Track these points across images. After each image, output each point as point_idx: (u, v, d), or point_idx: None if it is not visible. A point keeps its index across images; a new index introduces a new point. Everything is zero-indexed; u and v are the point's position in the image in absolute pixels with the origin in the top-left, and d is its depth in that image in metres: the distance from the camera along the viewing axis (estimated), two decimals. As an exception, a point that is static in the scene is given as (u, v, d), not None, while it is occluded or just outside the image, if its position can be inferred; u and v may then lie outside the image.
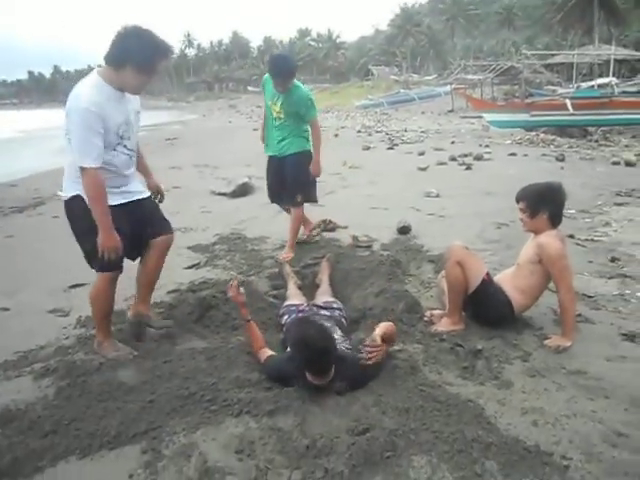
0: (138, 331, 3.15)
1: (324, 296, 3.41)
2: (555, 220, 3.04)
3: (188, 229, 5.75)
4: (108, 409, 2.37)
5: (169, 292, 3.78)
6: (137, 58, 2.58)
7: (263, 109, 4.71)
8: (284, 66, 4.20)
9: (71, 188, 2.72)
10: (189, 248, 4.99)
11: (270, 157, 4.75)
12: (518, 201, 3.12)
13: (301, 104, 4.34)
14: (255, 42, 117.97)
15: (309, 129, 4.54)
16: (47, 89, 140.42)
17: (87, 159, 2.52)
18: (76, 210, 2.72)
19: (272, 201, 5.03)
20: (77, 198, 2.69)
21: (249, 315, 2.85)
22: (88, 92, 2.55)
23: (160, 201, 3.32)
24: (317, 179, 4.74)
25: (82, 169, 2.53)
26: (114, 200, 2.73)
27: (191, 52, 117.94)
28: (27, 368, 2.83)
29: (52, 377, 2.70)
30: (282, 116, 4.42)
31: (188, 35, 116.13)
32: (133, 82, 2.65)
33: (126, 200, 2.86)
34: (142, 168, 3.19)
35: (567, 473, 1.93)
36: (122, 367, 2.75)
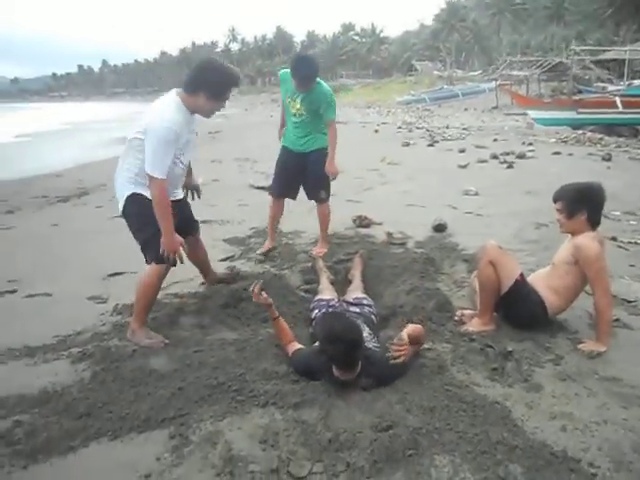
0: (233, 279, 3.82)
1: (355, 292, 3.42)
2: (594, 221, 2.96)
3: (225, 222, 5.85)
4: (139, 394, 2.45)
5: (202, 283, 3.86)
6: (210, 86, 2.89)
7: (281, 104, 4.61)
8: (308, 70, 4.09)
9: (125, 188, 2.99)
10: (225, 240, 5.07)
11: (287, 150, 4.58)
12: (555, 201, 3.04)
13: (322, 101, 4.23)
14: (299, 37, 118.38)
15: None
16: (95, 82, 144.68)
17: (158, 170, 2.79)
18: (133, 207, 3.00)
19: (278, 193, 4.69)
20: (133, 196, 2.97)
21: (277, 313, 2.87)
22: (170, 112, 2.83)
23: (198, 197, 3.59)
24: (335, 177, 4.56)
25: (151, 177, 2.80)
26: None
27: (235, 47, 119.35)
28: (65, 352, 2.93)
29: (88, 362, 2.80)
30: (303, 112, 4.32)
31: (232, 30, 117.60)
32: (206, 107, 2.96)
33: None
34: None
35: (594, 481, 1.89)
36: (154, 354, 2.84)
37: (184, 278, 3.97)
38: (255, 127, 21.07)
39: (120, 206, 3.07)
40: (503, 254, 3.05)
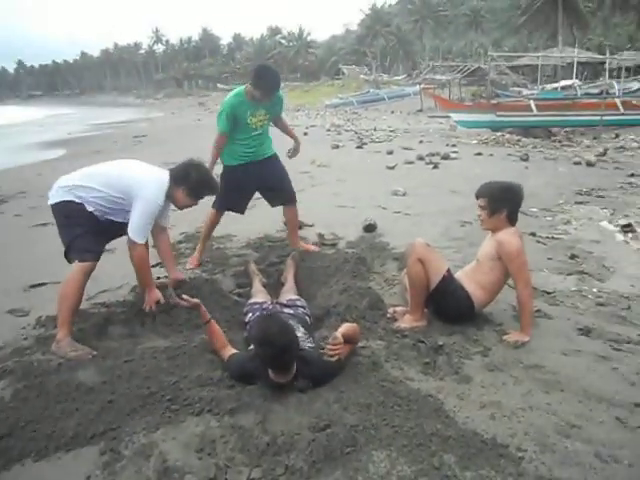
0: None
1: (288, 294, 3.41)
2: (513, 218, 3.11)
3: (153, 227, 5.67)
4: (66, 410, 2.33)
5: (131, 291, 3.73)
6: (191, 186, 3.22)
7: (218, 137, 4.34)
8: (277, 79, 4.17)
9: (66, 195, 3.08)
10: (154, 246, 4.91)
11: (241, 166, 4.38)
12: (478, 197, 3.17)
13: (280, 102, 4.39)
14: (225, 39, 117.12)
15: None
16: (10, 84, 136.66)
17: (141, 238, 3.10)
18: (66, 209, 3.08)
19: (225, 208, 4.58)
20: (71, 203, 3.06)
21: (208, 316, 2.82)
22: (159, 191, 3.12)
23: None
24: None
25: (134, 243, 3.08)
26: None
27: (159, 48, 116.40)
28: (-17, 370, 2.75)
29: (9, 379, 2.63)
30: (265, 122, 4.35)
31: (157, 31, 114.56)
32: (181, 200, 3.28)
33: None
34: (167, 255, 3.65)
35: (521, 464, 1.98)
36: (81, 367, 2.70)
37: (111, 287, 3.83)
38: (182, 131, 20.63)
39: (53, 200, 3.11)
40: (430, 251, 3.15)
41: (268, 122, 4.42)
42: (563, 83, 24.65)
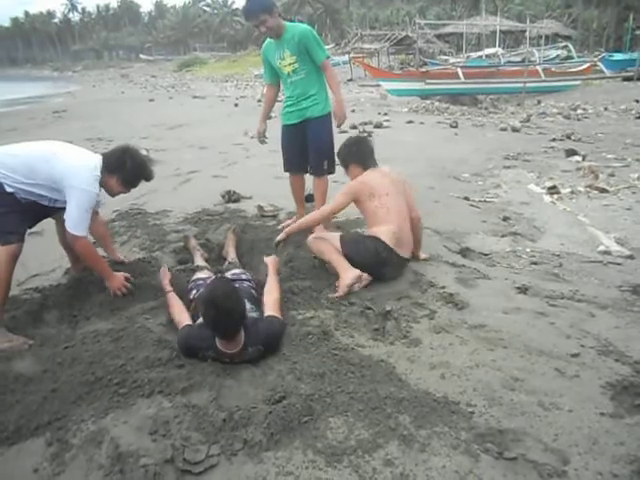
0: None
1: (232, 268, 3.35)
2: (364, 166, 3.52)
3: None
4: (5, 403, 2.19)
5: (65, 274, 3.54)
6: (125, 175, 3.07)
7: (264, 90, 4.30)
8: (252, 2, 3.80)
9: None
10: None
11: (288, 128, 4.26)
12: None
13: (306, 37, 3.88)
14: (145, 7, 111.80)
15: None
16: None
17: (82, 231, 2.92)
18: None
19: (296, 170, 4.44)
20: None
21: (169, 287, 2.90)
22: (94, 179, 2.93)
23: None
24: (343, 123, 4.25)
25: (77, 237, 2.91)
26: None
27: (75, 17, 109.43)
28: None
29: None
30: (296, 65, 3.96)
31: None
32: (115, 189, 3.13)
33: None
34: (103, 236, 3.57)
35: (472, 419, 2.06)
36: (18, 357, 2.54)
37: (43, 271, 3.63)
38: (106, 104, 19.64)
39: None
40: (322, 232, 3.64)
41: (303, 67, 3.98)
42: (487, 51, 25.29)
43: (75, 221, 2.87)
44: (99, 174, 2.97)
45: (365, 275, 3.18)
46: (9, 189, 2.80)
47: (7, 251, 2.77)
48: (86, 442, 1.98)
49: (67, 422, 2.08)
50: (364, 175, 3.48)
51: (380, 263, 3.21)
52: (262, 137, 4.49)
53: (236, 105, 17.05)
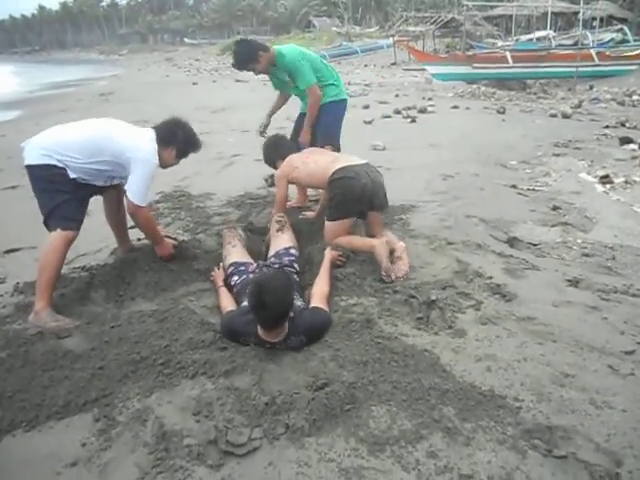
0: None
1: (283, 242, 3.30)
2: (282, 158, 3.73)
3: (129, 188, 5.49)
4: (54, 378, 2.26)
5: (111, 254, 3.61)
6: (179, 145, 3.19)
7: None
8: (238, 57, 4.15)
9: (46, 158, 2.86)
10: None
11: (302, 115, 4.53)
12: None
13: (290, 70, 4.19)
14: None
15: (331, 76, 4.43)
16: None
17: (144, 201, 3.03)
18: (46, 175, 2.89)
19: None
20: (53, 167, 2.87)
21: (221, 282, 2.98)
22: (154, 150, 3.04)
23: None
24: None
25: (138, 207, 3.00)
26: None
27: (122, 1, 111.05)
28: (-38, 340, 2.64)
29: (-10, 348, 2.54)
30: (296, 82, 4.26)
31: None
32: (169, 160, 3.21)
33: None
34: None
35: (520, 414, 2.00)
36: (67, 334, 2.62)
37: (90, 250, 3.71)
38: (150, 87, 19.91)
39: (32, 162, 2.90)
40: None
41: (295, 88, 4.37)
42: (538, 34, 24.39)
43: (137, 192, 2.97)
44: (156, 145, 3.06)
45: (390, 237, 3.34)
46: (72, 174, 2.89)
47: (65, 236, 2.86)
48: (132, 419, 2.02)
49: (113, 399, 2.13)
50: (287, 158, 3.71)
51: (366, 182, 3.29)
52: (263, 131, 4.70)
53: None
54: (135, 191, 2.97)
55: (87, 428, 1.99)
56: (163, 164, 3.18)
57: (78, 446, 1.91)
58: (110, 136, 2.97)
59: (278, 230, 3.43)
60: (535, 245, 3.71)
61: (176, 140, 3.17)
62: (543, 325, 2.60)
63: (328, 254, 3.16)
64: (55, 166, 2.86)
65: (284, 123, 9.33)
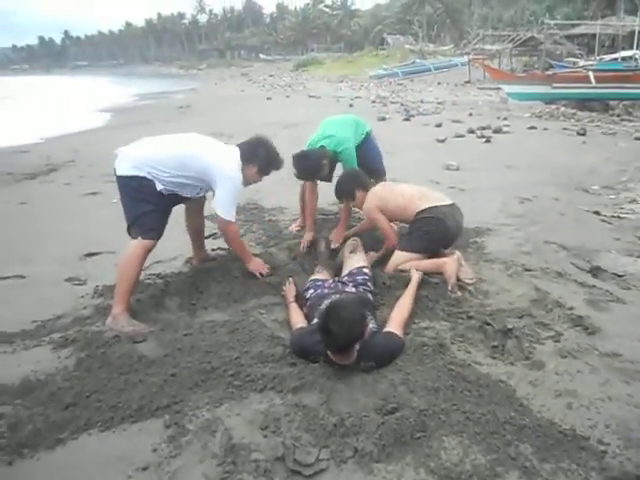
0: None
1: (356, 261, 3.30)
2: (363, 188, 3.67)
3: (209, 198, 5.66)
4: (129, 382, 2.33)
5: (186, 262, 3.72)
6: (261, 163, 3.26)
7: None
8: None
9: (137, 170, 3.00)
10: (206, 217, 4.89)
11: None
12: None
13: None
14: (268, 8, 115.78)
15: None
16: (57, 55, 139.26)
17: (233, 216, 3.17)
18: (135, 185, 3.02)
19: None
20: (142, 179, 2.99)
21: (292, 298, 3.01)
22: (240, 168, 3.17)
23: None
24: None
25: (228, 222, 3.17)
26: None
27: (203, 18, 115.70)
28: (45, 338, 2.79)
29: (71, 348, 2.66)
30: None
31: (200, 0, 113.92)
32: (251, 177, 3.29)
33: None
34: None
35: (605, 459, 1.86)
36: (142, 339, 2.71)
37: (165, 258, 3.82)
38: (227, 101, 20.59)
39: (123, 172, 3.03)
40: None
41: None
42: (623, 54, 23.31)
43: (225, 207, 3.11)
44: (241, 163, 3.17)
45: (457, 254, 3.34)
46: (159, 186, 3.02)
47: (145, 245, 2.99)
48: (201, 429, 2.04)
49: (184, 407, 2.16)
50: (371, 191, 3.66)
51: (452, 224, 3.39)
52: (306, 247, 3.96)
53: (351, 106, 17.11)
54: (223, 207, 3.10)
55: (158, 434, 2.03)
56: (246, 181, 3.25)
57: (149, 451, 1.95)
58: (197, 153, 3.08)
59: (351, 252, 3.42)
60: (620, 276, 3.49)
61: (258, 158, 3.25)
62: (629, 362, 2.43)
63: (415, 276, 3.11)
64: (145, 178, 2.99)
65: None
